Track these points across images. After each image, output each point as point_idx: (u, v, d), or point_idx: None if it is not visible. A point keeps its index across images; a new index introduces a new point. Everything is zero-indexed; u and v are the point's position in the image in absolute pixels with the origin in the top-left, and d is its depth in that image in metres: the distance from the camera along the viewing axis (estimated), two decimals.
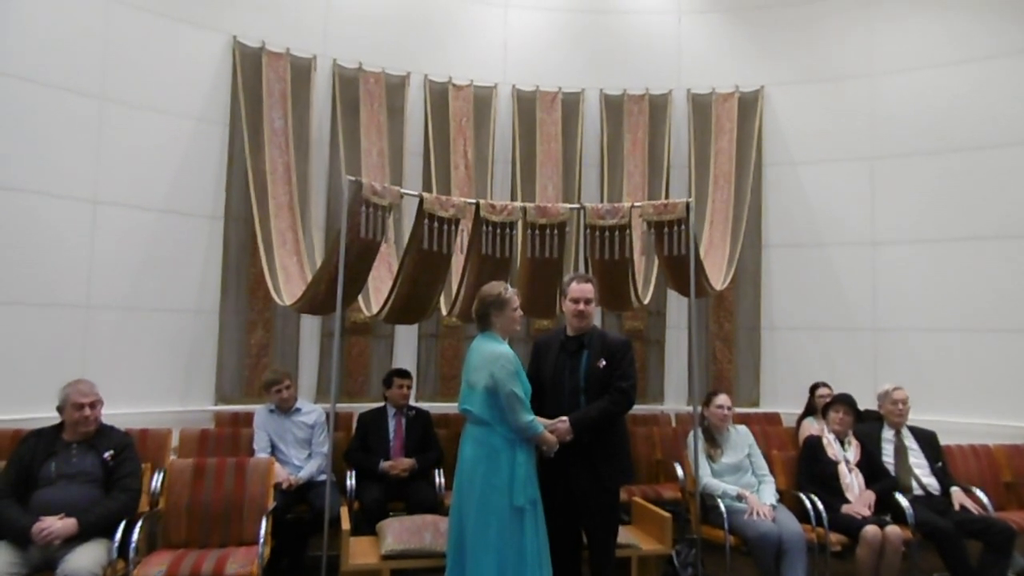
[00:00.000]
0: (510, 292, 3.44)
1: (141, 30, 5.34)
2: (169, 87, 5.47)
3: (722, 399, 4.50)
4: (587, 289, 3.59)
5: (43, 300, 4.86)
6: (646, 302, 5.39)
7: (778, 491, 4.36)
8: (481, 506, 3.18)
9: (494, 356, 3.27)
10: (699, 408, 4.49)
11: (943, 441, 4.79)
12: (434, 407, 5.52)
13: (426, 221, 4.03)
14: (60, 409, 3.56)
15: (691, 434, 4.34)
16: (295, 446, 4.68)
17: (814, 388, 5.52)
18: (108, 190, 5.16)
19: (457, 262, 4.51)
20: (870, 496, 4.30)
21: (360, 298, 4.89)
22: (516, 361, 3.30)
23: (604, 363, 3.50)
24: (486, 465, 3.21)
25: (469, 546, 3.18)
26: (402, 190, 4.22)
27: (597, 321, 4.36)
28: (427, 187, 6.12)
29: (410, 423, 4.95)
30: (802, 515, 4.16)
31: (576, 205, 4.51)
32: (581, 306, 3.56)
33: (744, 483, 4.31)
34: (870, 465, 4.49)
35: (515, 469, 3.20)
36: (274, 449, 4.64)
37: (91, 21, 5.12)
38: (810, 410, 5.46)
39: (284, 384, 4.71)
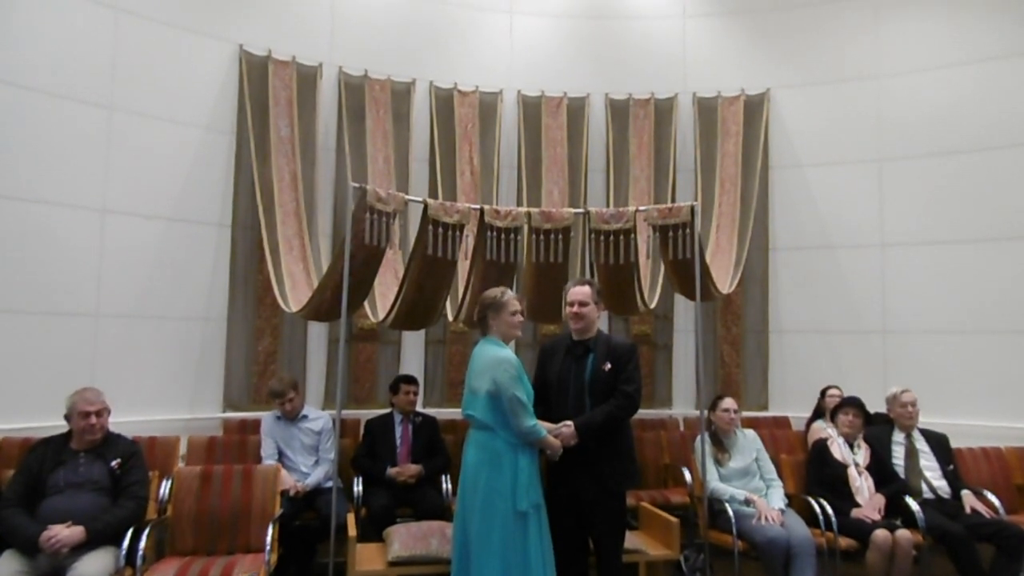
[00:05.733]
0: (508, 295, 3.44)
1: (149, 40, 5.38)
2: (176, 96, 5.52)
3: (728, 403, 4.49)
4: (580, 292, 3.57)
5: (52, 309, 4.90)
6: (652, 306, 5.37)
7: (787, 495, 4.33)
8: (485, 511, 3.17)
9: (496, 361, 3.28)
10: (706, 412, 4.47)
11: (953, 444, 4.75)
12: (441, 413, 5.53)
13: (430, 227, 4.04)
14: (67, 418, 3.59)
15: (698, 438, 4.32)
16: (302, 453, 4.69)
17: (823, 391, 5.48)
18: (116, 199, 5.20)
19: (463, 268, 4.52)
20: (880, 500, 4.27)
21: (366, 304, 4.90)
22: (518, 365, 3.30)
23: (609, 367, 3.49)
24: (489, 470, 3.21)
25: (474, 551, 3.17)
26: (406, 196, 4.22)
27: (604, 326, 4.35)
28: (433, 193, 6.13)
29: (417, 429, 4.95)
30: (811, 519, 4.13)
31: (580, 210, 4.50)
32: (575, 308, 3.55)
33: (752, 487, 4.29)
34: (879, 468, 4.45)
35: (518, 473, 3.19)
36: (281, 456, 4.66)
37: (99, 31, 5.17)
38: (819, 413, 5.42)
39: (288, 397, 4.68)
